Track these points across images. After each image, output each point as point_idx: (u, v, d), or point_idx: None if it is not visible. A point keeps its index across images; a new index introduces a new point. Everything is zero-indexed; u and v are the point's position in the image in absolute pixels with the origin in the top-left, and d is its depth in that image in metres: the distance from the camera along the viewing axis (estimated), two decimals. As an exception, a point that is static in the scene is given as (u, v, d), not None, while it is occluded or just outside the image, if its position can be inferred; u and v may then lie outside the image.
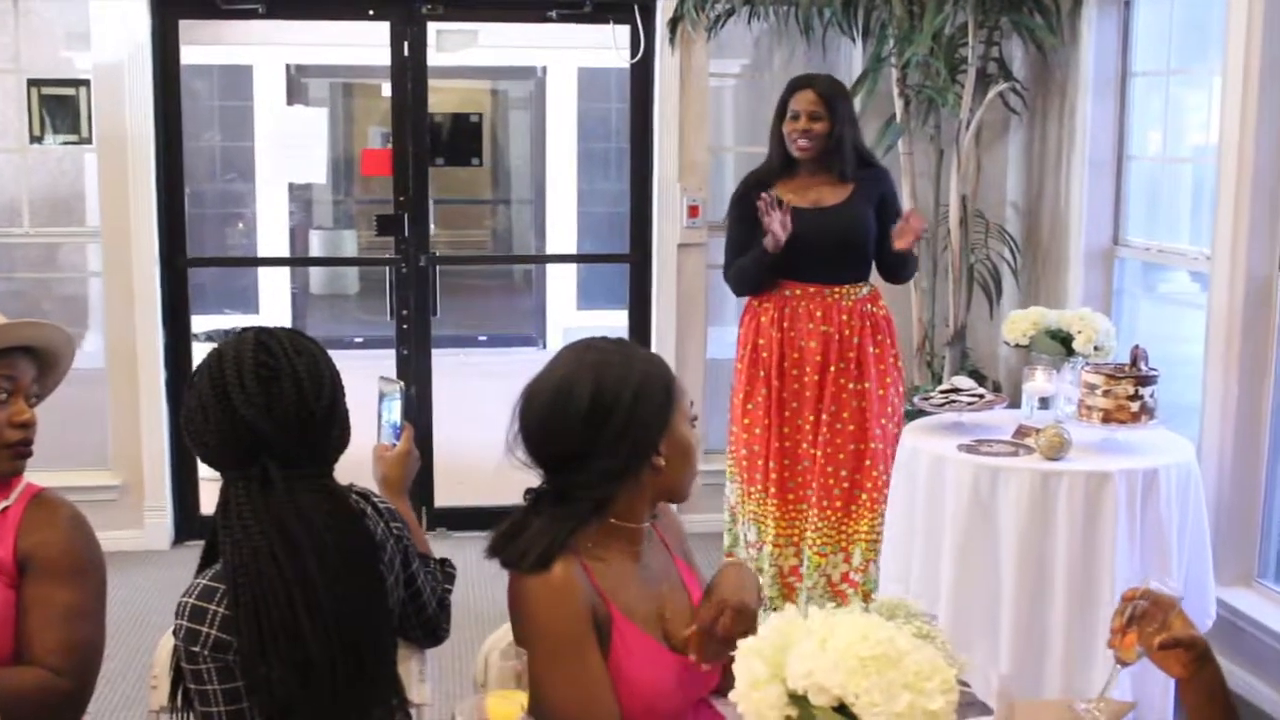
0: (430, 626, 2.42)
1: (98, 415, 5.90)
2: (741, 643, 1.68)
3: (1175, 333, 5.12)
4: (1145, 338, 5.46)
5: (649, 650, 2.24)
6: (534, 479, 2.32)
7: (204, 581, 2.12)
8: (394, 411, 2.57)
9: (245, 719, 2.11)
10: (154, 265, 5.73)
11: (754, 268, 4.64)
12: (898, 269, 4.77)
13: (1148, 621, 2.03)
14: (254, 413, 2.11)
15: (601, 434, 2.20)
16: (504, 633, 2.31)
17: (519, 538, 2.22)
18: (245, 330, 2.21)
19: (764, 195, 4.52)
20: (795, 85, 4.70)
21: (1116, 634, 2.07)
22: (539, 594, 2.16)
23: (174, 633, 2.13)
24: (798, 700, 1.62)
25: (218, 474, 2.20)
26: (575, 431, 2.20)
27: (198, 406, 2.14)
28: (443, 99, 11.93)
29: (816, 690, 1.56)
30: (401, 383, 2.59)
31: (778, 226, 4.48)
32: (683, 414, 2.29)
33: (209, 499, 6.00)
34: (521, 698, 1.85)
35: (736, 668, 1.65)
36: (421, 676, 2.47)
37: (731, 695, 1.66)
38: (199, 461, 5.91)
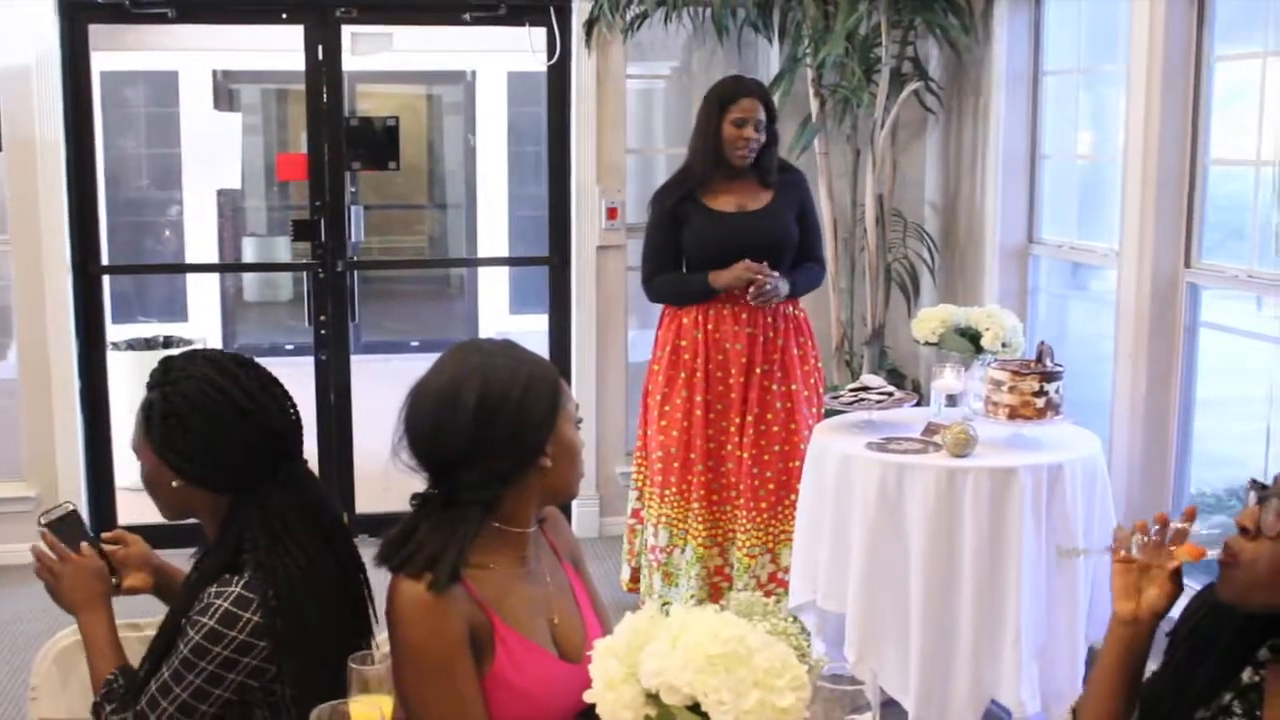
0: None
1: (13, 426, 5.82)
2: (598, 642, 1.67)
3: (1104, 331, 5.16)
4: (1073, 336, 5.53)
5: (535, 658, 2.22)
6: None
7: (237, 589, 2.15)
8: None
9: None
10: (66, 273, 5.65)
11: (692, 293, 4.68)
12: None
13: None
14: (280, 417, 2.26)
15: (489, 436, 2.17)
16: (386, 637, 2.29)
17: (407, 543, 2.20)
18: (203, 353, 2.29)
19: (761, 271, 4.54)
20: (738, 90, 4.65)
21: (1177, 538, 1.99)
22: (411, 611, 2.13)
23: (189, 625, 2.15)
24: (655, 700, 1.61)
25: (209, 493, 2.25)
26: (462, 434, 2.17)
27: (211, 434, 2.20)
28: (379, 104, 11.91)
29: (667, 689, 1.56)
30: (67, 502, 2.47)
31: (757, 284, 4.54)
32: (568, 415, 2.28)
33: (126, 509, 5.98)
34: (383, 701, 1.82)
35: (593, 668, 1.64)
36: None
37: (587, 695, 1.65)
38: (113, 473, 5.91)
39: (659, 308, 4.90)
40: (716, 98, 4.65)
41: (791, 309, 4.72)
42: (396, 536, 2.23)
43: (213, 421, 2.19)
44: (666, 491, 4.72)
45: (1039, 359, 3.96)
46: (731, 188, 4.70)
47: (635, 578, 4.97)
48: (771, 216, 4.67)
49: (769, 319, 4.65)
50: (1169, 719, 1.96)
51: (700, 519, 4.69)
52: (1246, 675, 1.89)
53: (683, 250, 4.74)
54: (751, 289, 4.55)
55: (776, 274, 4.57)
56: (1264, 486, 1.85)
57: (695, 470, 4.68)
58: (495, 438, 2.18)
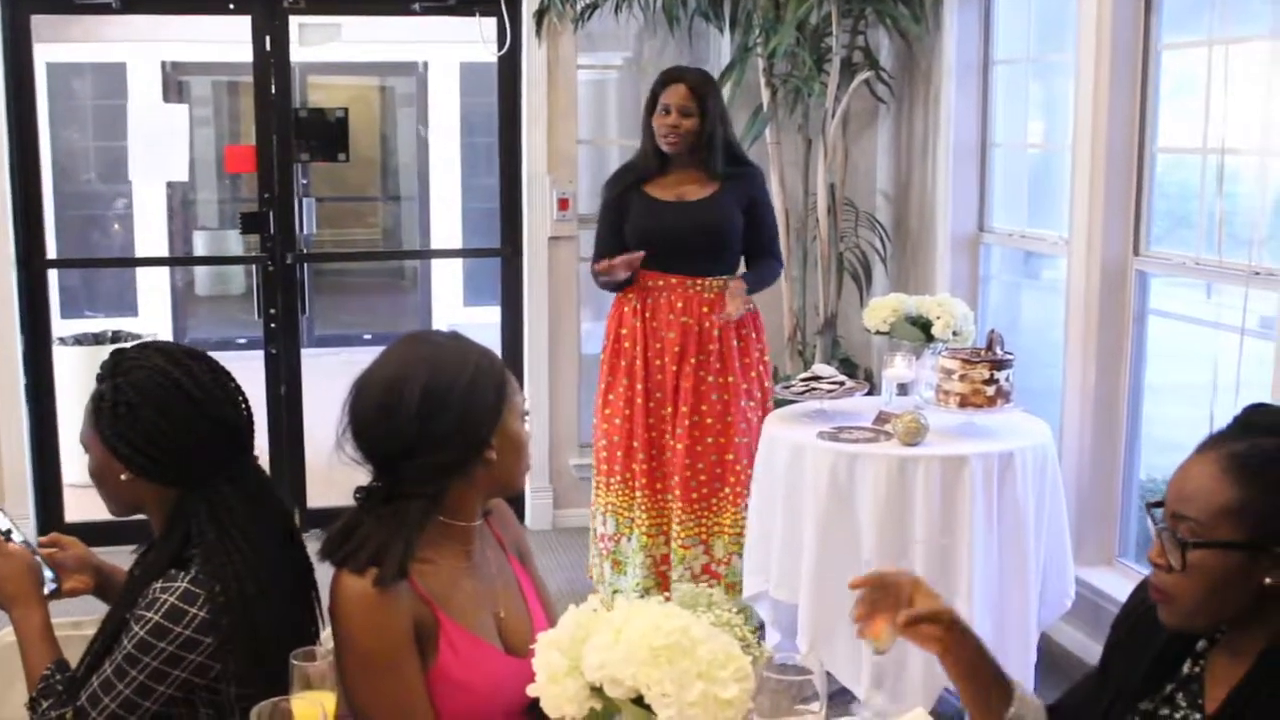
0: None
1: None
2: (542, 635, 1.65)
3: (1056, 319, 5.20)
4: (1026, 324, 5.55)
5: (479, 653, 2.20)
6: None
7: (184, 584, 2.12)
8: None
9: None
10: (10, 267, 5.57)
11: (611, 281, 4.70)
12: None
13: (890, 604, 2.00)
14: (232, 410, 2.24)
15: (433, 428, 2.15)
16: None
17: (351, 538, 2.18)
18: (155, 345, 2.27)
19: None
20: (666, 79, 4.66)
21: (862, 622, 2.02)
22: (354, 607, 2.11)
23: (133, 620, 2.12)
24: (599, 693, 1.60)
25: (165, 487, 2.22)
26: (407, 426, 2.15)
27: (162, 425, 2.17)
28: (331, 95, 11.82)
29: (611, 682, 1.54)
30: None
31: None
32: (514, 408, 2.25)
33: (74, 506, 5.92)
34: (325, 698, 1.80)
35: (536, 661, 1.63)
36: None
37: (530, 689, 1.63)
38: (60, 470, 5.84)
39: (610, 298, 4.88)
40: (651, 88, 4.69)
41: None
42: (340, 531, 2.20)
43: (164, 412, 2.16)
44: (612, 480, 4.74)
45: (989, 347, 3.97)
46: (676, 178, 4.69)
47: None
48: (710, 207, 4.64)
49: (705, 309, 4.63)
50: (1113, 710, 1.97)
51: (644, 508, 4.69)
52: (1187, 667, 1.90)
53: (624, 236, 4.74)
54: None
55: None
56: (1156, 505, 1.86)
57: (637, 459, 4.68)
58: (440, 430, 2.15)
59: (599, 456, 4.79)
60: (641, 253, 4.57)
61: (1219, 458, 1.76)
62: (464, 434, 2.17)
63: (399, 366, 2.20)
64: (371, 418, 2.19)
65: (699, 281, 4.63)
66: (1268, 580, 1.74)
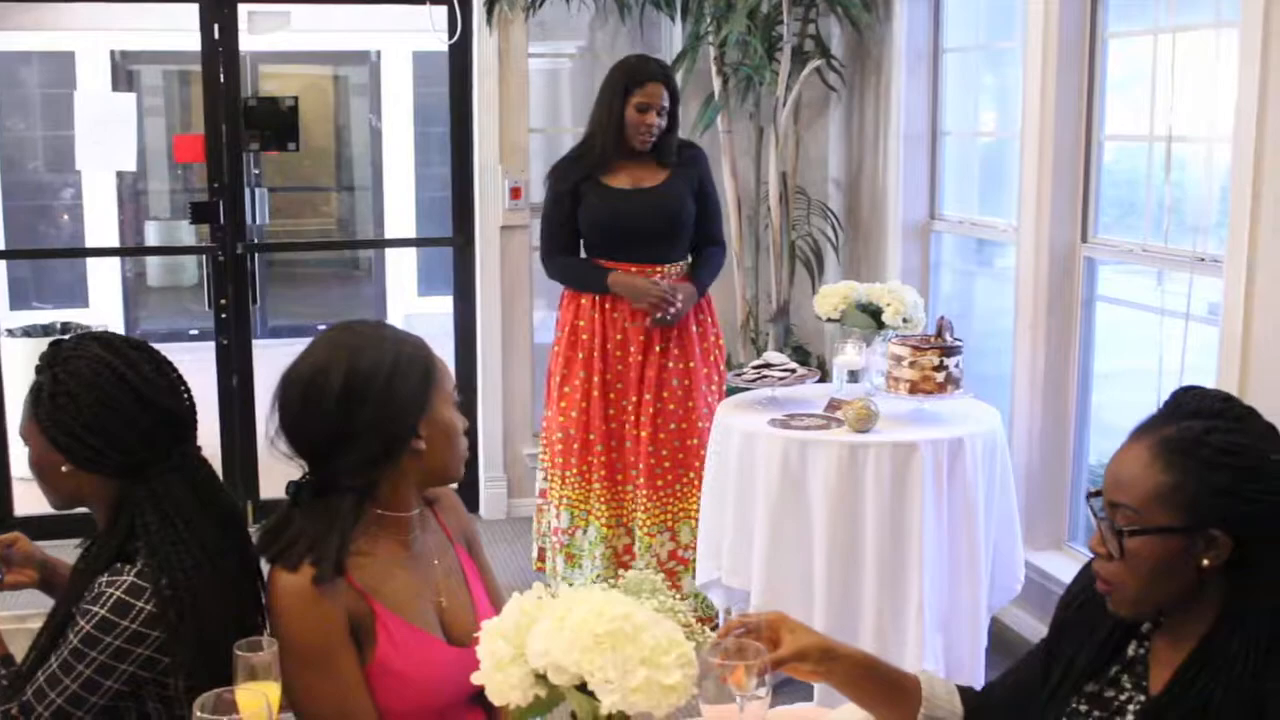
0: None
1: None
2: (486, 623, 1.65)
3: (1008, 306, 5.24)
4: (978, 311, 5.58)
5: (419, 643, 2.20)
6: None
7: (130, 578, 2.11)
8: None
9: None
10: (-46, 259, 5.52)
11: (588, 285, 4.66)
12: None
13: (754, 647, 1.96)
14: (173, 399, 2.21)
15: (355, 418, 2.14)
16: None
17: (283, 533, 2.17)
18: (93, 335, 2.24)
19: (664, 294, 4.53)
20: (644, 74, 4.58)
21: (726, 670, 1.93)
22: (288, 602, 2.11)
23: (79, 614, 2.10)
24: (543, 680, 1.60)
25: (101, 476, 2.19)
26: (329, 417, 2.14)
27: (102, 414, 2.14)
28: (283, 85, 11.73)
29: (554, 669, 1.54)
30: None
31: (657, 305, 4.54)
32: (444, 396, 2.24)
33: (22, 499, 5.86)
34: (269, 689, 1.80)
35: (480, 649, 1.63)
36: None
37: (475, 677, 1.63)
38: (9, 463, 5.78)
39: (560, 287, 4.87)
40: (622, 79, 4.58)
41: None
42: (273, 526, 2.20)
43: (104, 401, 2.14)
44: (567, 473, 4.71)
45: (939, 334, 3.99)
46: (629, 166, 4.66)
47: (542, 557, 4.96)
48: (666, 194, 4.64)
49: None
50: (1059, 691, 1.99)
51: (602, 499, 4.68)
52: (1132, 649, 1.92)
53: (578, 227, 4.73)
54: (653, 314, 4.53)
55: (680, 297, 4.55)
56: (1095, 495, 1.87)
57: (595, 451, 4.67)
58: (362, 420, 2.14)
59: (553, 449, 4.76)
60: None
61: (1150, 444, 1.78)
62: (388, 424, 2.16)
63: (321, 358, 2.19)
64: (296, 411, 2.18)
65: (659, 269, 4.63)
66: (1206, 562, 1.75)
